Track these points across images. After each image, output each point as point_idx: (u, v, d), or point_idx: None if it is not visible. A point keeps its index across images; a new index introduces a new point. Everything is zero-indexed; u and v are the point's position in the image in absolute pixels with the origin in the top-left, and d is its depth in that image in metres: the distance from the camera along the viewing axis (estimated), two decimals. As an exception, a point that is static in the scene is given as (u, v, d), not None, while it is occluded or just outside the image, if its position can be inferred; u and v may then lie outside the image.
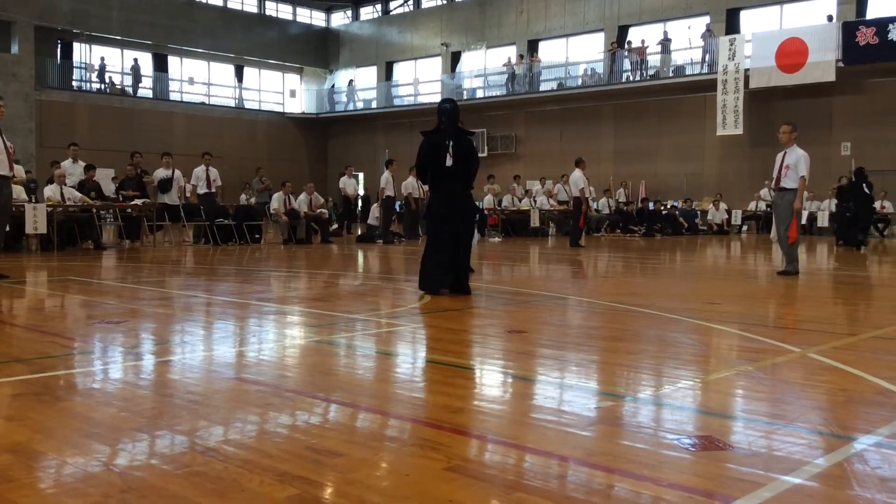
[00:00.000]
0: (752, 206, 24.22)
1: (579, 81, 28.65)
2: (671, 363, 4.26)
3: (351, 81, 35.26)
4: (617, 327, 5.66)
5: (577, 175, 16.18)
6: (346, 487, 2.29)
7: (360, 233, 19.05)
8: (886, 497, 2.22)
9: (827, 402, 3.43)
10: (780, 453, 2.63)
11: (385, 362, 4.37)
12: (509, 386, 3.82)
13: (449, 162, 7.14)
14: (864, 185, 16.76)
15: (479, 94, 31.42)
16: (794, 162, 9.29)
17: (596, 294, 7.90)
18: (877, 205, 21.25)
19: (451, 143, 7.19)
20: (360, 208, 26.12)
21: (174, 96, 32.28)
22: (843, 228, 17.19)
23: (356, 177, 22.59)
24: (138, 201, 14.79)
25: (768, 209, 22.13)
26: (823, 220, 21.98)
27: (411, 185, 17.90)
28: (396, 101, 33.98)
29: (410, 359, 4.52)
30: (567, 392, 3.62)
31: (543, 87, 29.33)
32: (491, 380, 3.98)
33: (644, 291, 8.24)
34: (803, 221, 18.01)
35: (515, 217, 21.51)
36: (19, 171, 13.66)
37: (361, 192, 31.09)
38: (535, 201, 22.18)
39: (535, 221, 21.06)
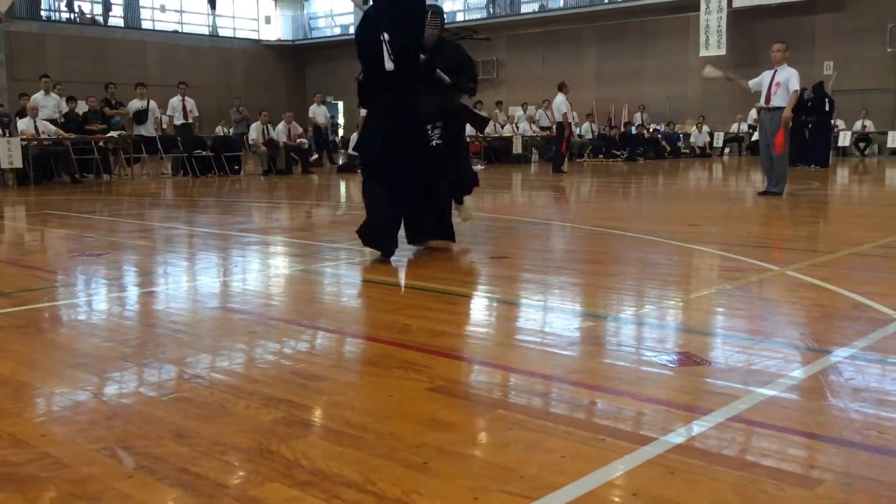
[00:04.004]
0: (734, 128, 24.15)
1: (561, 3, 28.10)
2: (652, 284, 4.30)
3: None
4: (598, 250, 5.69)
5: (559, 100, 16.00)
6: (332, 409, 2.32)
7: (340, 162, 18.88)
8: (859, 406, 2.28)
9: (804, 318, 3.49)
10: (756, 367, 2.69)
11: (369, 290, 4.39)
12: (492, 310, 3.85)
13: (389, 65, 4.93)
14: (825, 100, 16.55)
15: (459, 17, 30.78)
16: (786, 79, 9.29)
17: (578, 219, 7.93)
18: (858, 124, 21.35)
19: (387, 36, 4.91)
20: (339, 137, 25.83)
21: (146, 25, 31.39)
22: (800, 148, 16.71)
23: (328, 104, 22.20)
24: (114, 133, 14.55)
25: (750, 130, 22.08)
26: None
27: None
28: (375, 26, 33.17)
29: (393, 286, 4.54)
30: (549, 314, 3.66)
31: (524, 9, 28.76)
32: (473, 304, 4.02)
33: (626, 215, 8.28)
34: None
35: (498, 144, 21.35)
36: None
37: (342, 120, 30.67)
38: (517, 127, 21.99)
39: (517, 148, 20.93)
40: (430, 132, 5.11)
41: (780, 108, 9.32)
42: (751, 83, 9.69)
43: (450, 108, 5.36)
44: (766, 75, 9.51)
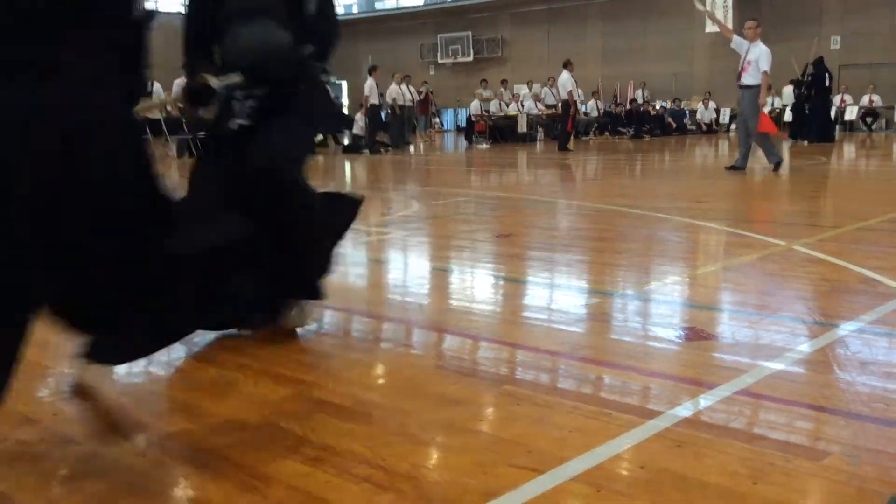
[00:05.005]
0: (740, 104, 24.00)
1: (565, -21, 27.86)
2: (658, 260, 4.30)
3: None
4: (605, 228, 5.68)
5: (564, 77, 15.91)
6: (341, 386, 2.33)
7: (345, 143, 18.83)
8: (866, 379, 2.29)
9: (811, 292, 3.49)
10: (763, 342, 2.69)
11: (376, 269, 4.40)
12: (498, 287, 3.86)
13: None
14: (826, 76, 16.53)
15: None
16: (756, 58, 9.20)
17: (584, 196, 7.91)
18: (865, 98, 21.19)
19: None
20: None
21: (149, 6, 31.28)
22: (801, 123, 16.73)
23: (331, 84, 22.08)
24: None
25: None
26: (790, 116, 21.83)
27: (395, 92, 17.59)
28: (378, 5, 33.03)
29: (401, 264, 4.55)
30: (555, 291, 3.67)
31: (529, -15, 28.52)
32: (480, 282, 4.02)
33: (632, 192, 8.25)
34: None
35: (503, 123, 21.25)
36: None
37: (346, 100, 30.54)
38: (522, 106, 21.88)
39: (522, 126, 20.83)
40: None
41: (750, 87, 9.24)
42: (735, 39, 9.56)
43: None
44: (743, 46, 9.40)
